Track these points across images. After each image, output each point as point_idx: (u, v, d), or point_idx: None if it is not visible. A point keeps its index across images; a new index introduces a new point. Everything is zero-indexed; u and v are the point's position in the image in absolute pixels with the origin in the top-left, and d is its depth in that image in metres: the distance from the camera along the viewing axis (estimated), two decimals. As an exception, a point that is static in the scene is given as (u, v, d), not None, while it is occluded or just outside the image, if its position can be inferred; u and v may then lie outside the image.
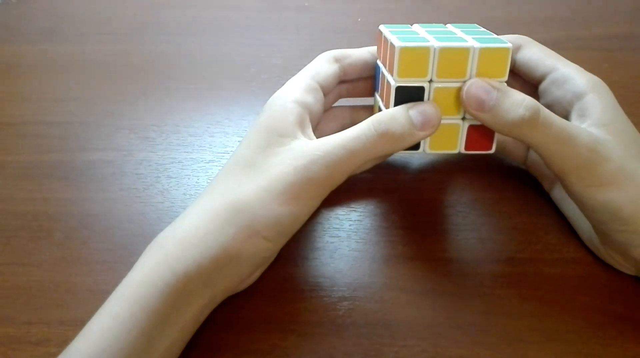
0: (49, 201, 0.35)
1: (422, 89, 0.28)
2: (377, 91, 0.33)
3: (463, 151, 0.30)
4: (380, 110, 0.32)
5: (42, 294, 0.31)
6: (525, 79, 0.33)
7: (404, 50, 0.27)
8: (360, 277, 0.31)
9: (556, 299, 0.30)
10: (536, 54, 0.32)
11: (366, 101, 0.35)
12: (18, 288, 0.31)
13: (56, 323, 0.30)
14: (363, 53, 0.33)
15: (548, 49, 0.32)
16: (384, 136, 0.27)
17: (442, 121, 0.29)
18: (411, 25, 0.32)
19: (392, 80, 0.28)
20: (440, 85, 0.28)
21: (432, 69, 0.28)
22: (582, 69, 0.31)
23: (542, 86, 0.31)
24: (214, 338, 0.29)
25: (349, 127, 0.35)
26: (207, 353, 0.28)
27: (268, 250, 0.28)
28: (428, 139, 0.30)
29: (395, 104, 0.28)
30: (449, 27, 0.31)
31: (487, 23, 0.33)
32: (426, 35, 0.29)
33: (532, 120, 0.27)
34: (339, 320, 0.30)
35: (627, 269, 0.31)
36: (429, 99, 0.28)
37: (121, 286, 0.26)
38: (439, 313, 0.30)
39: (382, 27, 0.31)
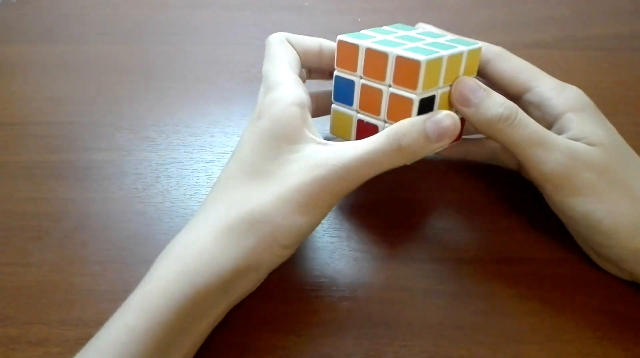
0: (49, 201, 0.35)
1: (434, 97, 0.28)
2: (352, 104, 0.31)
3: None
4: (363, 124, 0.30)
5: (42, 294, 0.31)
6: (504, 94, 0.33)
7: (429, 63, 0.27)
8: (360, 277, 0.31)
9: (556, 299, 0.30)
10: (506, 71, 0.32)
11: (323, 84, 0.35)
12: (18, 288, 0.31)
13: (56, 323, 0.30)
14: (313, 43, 0.32)
15: (520, 62, 0.32)
16: (401, 150, 0.26)
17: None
18: (360, 31, 0.31)
19: (412, 94, 0.28)
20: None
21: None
22: (557, 84, 0.30)
23: (521, 106, 0.31)
24: (214, 338, 0.29)
25: (315, 114, 0.34)
26: (208, 353, 0.28)
27: (286, 256, 0.28)
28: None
29: None
30: (386, 28, 0.32)
31: (487, 23, 0.34)
32: (380, 36, 0.30)
33: (509, 119, 0.28)
34: (339, 320, 0.30)
35: (624, 277, 0.31)
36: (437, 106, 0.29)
37: (137, 296, 0.25)
38: (439, 313, 0.30)
39: (344, 37, 0.30)
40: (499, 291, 0.31)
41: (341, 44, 0.29)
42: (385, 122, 0.29)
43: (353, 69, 0.29)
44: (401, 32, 0.31)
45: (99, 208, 0.35)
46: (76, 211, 0.35)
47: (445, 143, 0.27)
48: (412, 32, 0.31)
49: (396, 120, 0.28)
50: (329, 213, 0.35)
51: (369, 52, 0.28)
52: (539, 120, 0.30)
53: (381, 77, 0.28)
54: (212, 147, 0.39)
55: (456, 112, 0.30)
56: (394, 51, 0.28)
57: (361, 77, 0.29)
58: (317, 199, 0.26)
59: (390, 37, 0.30)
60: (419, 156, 0.27)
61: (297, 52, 0.31)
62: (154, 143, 0.39)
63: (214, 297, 0.26)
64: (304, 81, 0.33)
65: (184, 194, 0.36)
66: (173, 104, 0.42)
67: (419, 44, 0.29)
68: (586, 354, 0.28)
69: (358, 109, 0.31)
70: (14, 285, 0.31)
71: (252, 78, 0.44)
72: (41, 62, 0.46)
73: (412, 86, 0.27)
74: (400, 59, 0.27)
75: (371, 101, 0.29)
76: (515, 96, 0.31)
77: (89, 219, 0.34)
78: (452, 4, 0.50)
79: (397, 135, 0.27)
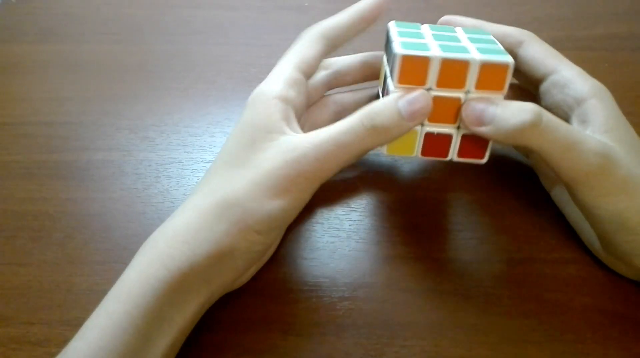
0: (49, 201, 0.35)
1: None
2: (380, 89, 0.32)
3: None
4: (433, 136, 0.29)
5: (42, 294, 0.31)
6: (526, 77, 0.33)
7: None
8: (360, 277, 0.31)
9: (556, 299, 0.30)
10: (538, 53, 0.31)
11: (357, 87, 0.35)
12: (18, 288, 0.31)
13: (56, 323, 0.30)
14: (348, 21, 0.31)
15: (551, 48, 0.32)
16: (372, 129, 0.26)
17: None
18: (421, 24, 0.31)
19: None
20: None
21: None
22: (584, 73, 0.30)
23: (543, 87, 0.31)
24: (214, 338, 0.29)
25: (341, 116, 0.34)
26: (207, 353, 0.28)
27: (261, 243, 0.28)
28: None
29: None
30: (458, 31, 0.31)
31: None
32: (431, 42, 0.29)
33: (535, 124, 0.26)
34: (339, 320, 0.30)
35: (628, 275, 0.30)
36: None
37: (116, 285, 0.26)
38: (439, 313, 0.30)
39: (391, 25, 0.30)
40: (499, 291, 0.31)
41: (406, 59, 0.27)
42: (459, 128, 0.29)
43: (421, 82, 0.28)
44: (450, 34, 0.30)
45: (99, 208, 0.35)
46: (76, 211, 0.35)
47: (418, 121, 0.27)
48: (465, 36, 0.30)
49: None
50: (332, 214, 0.35)
51: (445, 62, 0.27)
52: (559, 103, 0.30)
53: (460, 85, 0.28)
54: (212, 147, 0.39)
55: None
56: (476, 58, 0.27)
57: (431, 89, 0.28)
58: (289, 183, 0.26)
59: (429, 35, 0.29)
60: (393, 135, 0.27)
61: (333, 39, 0.31)
62: (154, 143, 0.39)
63: (191, 283, 0.26)
64: (323, 86, 0.34)
65: (184, 194, 0.36)
66: (173, 104, 0.42)
67: (438, 43, 0.28)
68: (586, 354, 0.28)
69: (425, 122, 0.29)
70: (14, 285, 0.31)
71: (252, 78, 0.44)
72: (41, 62, 0.46)
73: (499, 87, 0.27)
74: (485, 65, 0.27)
75: (444, 111, 0.28)
76: (541, 77, 0.31)
77: (89, 219, 0.34)
78: (452, 4, 0.50)
79: (371, 115, 0.26)
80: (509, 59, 0.27)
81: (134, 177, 0.37)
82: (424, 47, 0.28)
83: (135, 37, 0.48)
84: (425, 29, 0.31)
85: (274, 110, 0.28)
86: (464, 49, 0.28)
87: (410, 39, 0.29)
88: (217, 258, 0.26)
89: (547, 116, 0.27)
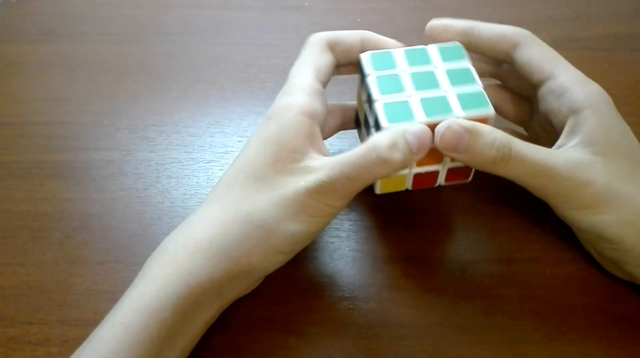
0: (49, 201, 0.35)
1: None
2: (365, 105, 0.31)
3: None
4: (421, 175, 0.30)
5: (42, 294, 0.31)
6: (523, 81, 0.32)
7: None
8: (360, 277, 0.31)
9: (556, 299, 0.30)
10: (535, 56, 0.30)
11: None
12: (18, 288, 0.31)
13: (56, 323, 0.30)
14: (355, 40, 0.31)
15: (548, 49, 0.31)
16: (385, 162, 0.26)
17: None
18: (394, 51, 0.31)
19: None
20: None
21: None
22: (581, 78, 0.29)
23: (540, 93, 0.31)
24: (214, 339, 0.29)
25: (346, 126, 0.35)
26: (208, 353, 0.28)
27: (281, 262, 0.28)
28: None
29: None
30: (431, 51, 0.30)
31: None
32: (410, 91, 0.29)
33: (504, 159, 0.27)
34: (339, 320, 0.30)
35: (624, 277, 0.30)
36: None
37: (131, 296, 0.26)
38: (439, 313, 0.30)
39: (363, 56, 0.30)
40: (499, 291, 0.31)
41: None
42: (444, 164, 0.29)
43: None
44: (425, 69, 0.30)
45: (99, 208, 0.35)
46: (76, 211, 0.35)
47: (421, 156, 0.27)
48: (442, 67, 0.30)
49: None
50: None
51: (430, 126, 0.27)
52: (555, 111, 0.30)
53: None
54: (212, 147, 0.39)
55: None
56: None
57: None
58: (310, 209, 0.26)
59: (405, 74, 0.29)
60: (401, 168, 0.27)
61: (338, 52, 0.31)
62: (154, 143, 0.39)
63: (207, 298, 0.26)
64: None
65: (184, 194, 0.36)
66: (173, 104, 0.42)
67: (417, 92, 0.29)
68: (586, 354, 0.28)
69: (413, 166, 0.29)
70: (14, 285, 0.31)
71: (252, 78, 0.44)
72: (41, 62, 0.46)
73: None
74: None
75: (430, 156, 0.28)
76: (538, 83, 0.30)
77: (89, 219, 0.34)
78: (452, 4, 0.50)
79: (382, 149, 0.26)
80: (489, 110, 0.28)
81: (134, 177, 0.37)
82: (408, 114, 0.28)
83: (135, 37, 0.48)
84: (400, 56, 0.30)
85: (300, 128, 0.28)
86: (444, 101, 0.28)
87: (391, 97, 0.28)
88: (236, 275, 0.26)
89: (517, 148, 0.27)
